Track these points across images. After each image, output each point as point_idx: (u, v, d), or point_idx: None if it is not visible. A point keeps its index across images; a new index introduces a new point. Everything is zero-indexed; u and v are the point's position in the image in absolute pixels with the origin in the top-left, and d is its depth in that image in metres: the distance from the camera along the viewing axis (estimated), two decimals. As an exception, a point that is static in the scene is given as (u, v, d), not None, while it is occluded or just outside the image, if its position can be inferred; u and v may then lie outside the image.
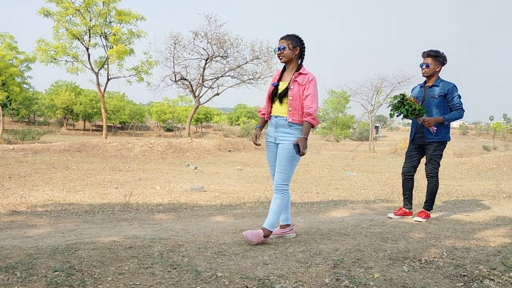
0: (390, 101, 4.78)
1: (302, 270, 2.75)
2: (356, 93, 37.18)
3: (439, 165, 4.80)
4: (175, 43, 24.88)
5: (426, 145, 4.79)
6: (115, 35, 23.43)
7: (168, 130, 77.14)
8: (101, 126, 53.82)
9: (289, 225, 3.77)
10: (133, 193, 7.46)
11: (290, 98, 3.51)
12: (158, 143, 18.57)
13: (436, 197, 5.16)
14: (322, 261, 2.95)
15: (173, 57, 25.19)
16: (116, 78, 24.94)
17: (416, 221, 4.69)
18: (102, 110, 25.24)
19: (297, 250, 3.23)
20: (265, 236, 3.47)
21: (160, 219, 5.02)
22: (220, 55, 25.64)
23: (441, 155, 4.80)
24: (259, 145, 3.80)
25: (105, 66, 24.42)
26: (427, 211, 4.81)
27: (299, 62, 3.62)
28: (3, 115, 39.61)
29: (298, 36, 3.61)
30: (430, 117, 4.62)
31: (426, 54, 4.77)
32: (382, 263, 2.95)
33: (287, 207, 3.76)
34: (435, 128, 4.67)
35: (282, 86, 3.60)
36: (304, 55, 3.64)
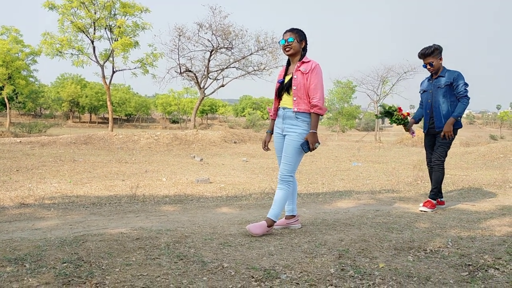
0: (380, 111, 5.16)
1: (307, 261, 2.77)
2: (361, 83, 37.09)
3: (446, 154, 4.81)
4: (180, 35, 24.87)
5: (437, 133, 4.82)
6: (120, 28, 23.43)
7: (174, 122, 77.32)
8: (107, 119, 53.98)
9: (295, 216, 3.78)
10: (140, 185, 7.51)
11: (294, 87, 3.53)
12: (164, 135, 18.62)
13: (442, 187, 5.16)
14: (327, 251, 2.97)
15: (178, 49, 25.20)
16: (121, 70, 24.99)
17: (421, 211, 4.69)
18: (108, 103, 25.32)
19: (303, 241, 3.25)
20: (269, 226, 3.50)
21: (166, 211, 5.06)
22: (225, 46, 25.59)
23: (450, 144, 4.81)
24: (269, 150, 3.84)
25: (110, 59, 24.44)
26: (433, 201, 4.81)
27: (302, 54, 3.64)
28: (10, 108, 39.85)
29: (302, 30, 3.65)
30: (445, 126, 4.64)
31: (424, 55, 4.78)
32: (387, 253, 2.97)
33: (293, 197, 3.78)
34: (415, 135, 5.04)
35: (287, 79, 3.62)
36: (307, 49, 3.67)
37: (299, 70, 3.53)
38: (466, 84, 4.67)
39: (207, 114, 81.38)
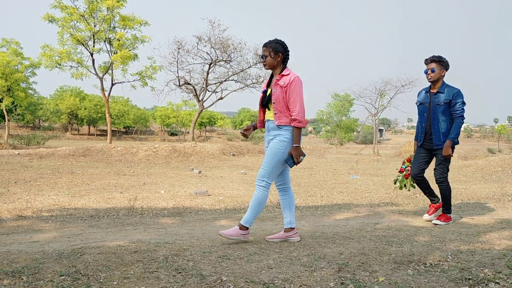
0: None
1: (306, 274, 2.75)
2: (360, 97, 37.26)
3: (448, 169, 4.82)
4: (179, 48, 24.99)
5: (435, 150, 4.82)
6: (119, 41, 23.53)
7: (172, 134, 77.26)
8: (106, 131, 53.97)
9: (293, 228, 3.77)
10: (138, 198, 7.48)
11: (274, 101, 3.56)
12: (162, 147, 18.61)
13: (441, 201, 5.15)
14: (326, 265, 2.96)
15: (177, 61, 25.29)
16: (120, 83, 25.01)
17: (435, 224, 4.72)
18: (107, 115, 25.32)
19: (302, 254, 3.24)
20: (241, 229, 3.57)
21: (164, 223, 5.03)
22: (224, 59, 25.72)
23: (450, 160, 4.82)
24: (245, 136, 3.82)
25: (110, 71, 24.50)
26: (447, 214, 4.84)
27: (282, 66, 3.64)
28: (9, 120, 39.82)
29: (279, 41, 3.64)
30: (444, 149, 4.65)
31: (430, 60, 4.79)
32: (387, 266, 2.95)
33: (290, 210, 3.78)
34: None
35: (269, 92, 3.65)
36: (287, 59, 3.66)
37: (278, 83, 3.55)
38: (463, 103, 4.68)
39: (205, 127, 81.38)
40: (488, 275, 2.77)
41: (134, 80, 25.16)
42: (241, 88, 26.96)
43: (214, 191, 8.86)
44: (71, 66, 24.07)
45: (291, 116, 3.50)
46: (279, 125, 3.54)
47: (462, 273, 2.82)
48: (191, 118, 50.77)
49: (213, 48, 25.10)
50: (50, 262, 2.80)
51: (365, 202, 7.27)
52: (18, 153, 15.93)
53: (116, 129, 70.49)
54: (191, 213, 6.07)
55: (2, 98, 34.72)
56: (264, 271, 2.80)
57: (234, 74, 26.56)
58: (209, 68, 25.95)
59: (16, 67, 34.28)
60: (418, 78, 28.83)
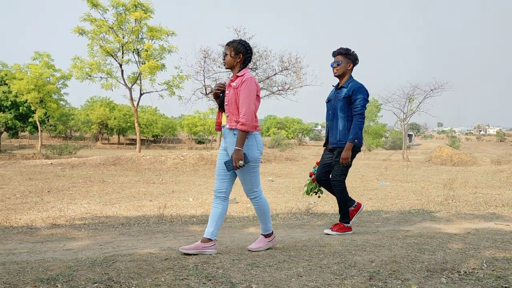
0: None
1: (337, 282, 2.72)
2: (387, 101, 36.74)
3: (344, 172, 4.44)
4: (205, 57, 25.27)
5: (333, 150, 4.47)
6: (147, 51, 23.99)
7: (200, 142, 77.96)
8: (135, 140, 54.89)
9: (212, 240, 3.46)
10: (167, 205, 7.57)
11: (226, 103, 3.47)
12: (190, 155, 18.79)
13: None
14: (357, 273, 2.92)
15: (203, 70, 25.58)
16: (148, 92, 25.51)
17: (326, 233, 4.45)
18: (136, 124, 25.79)
19: (332, 262, 3.20)
20: (267, 237, 3.62)
21: (194, 231, 5.07)
22: (249, 67, 25.84)
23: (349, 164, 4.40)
24: (218, 95, 3.63)
25: (138, 82, 25.00)
26: (342, 223, 4.49)
27: (241, 67, 3.52)
28: (41, 131, 40.98)
29: (242, 42, 3.52)
30: (343, 152, 4.29)
31: (337, 53, 4.44)
32: (419, 275, 2.89)
33: (218, 220, 3.51)
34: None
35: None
36: (248, 61, 3.54)
37: (231, 85, 3.44)
38: (364, 100, 4.30)
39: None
40: (526, 283, 2.68)
41: (162, 90, 25.62)
42: (267, 95, 27.01)
43: (242, 199, 8.88)
44: (101, 77, 24.69)
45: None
46: (231, 128, 3.42)
47: (498, 281, 2.74)
48: (218, 126, 51.01)
49: (239, 56, 25.27)
50: (83, 269, 2.86)
51: (395, 209, 7.15)
52: (51, 163, 16.37)
53: (144, 138, 71.63)
54: (220, 221, 6.09)
55: (35, 110, 35.82)
56: (293, 279, 2.79)
57: (260, 82, 26.63)
58: (235, 76, 26.12)
59: (48, 79, 35.35)
60: (447, 81, 28.40)
